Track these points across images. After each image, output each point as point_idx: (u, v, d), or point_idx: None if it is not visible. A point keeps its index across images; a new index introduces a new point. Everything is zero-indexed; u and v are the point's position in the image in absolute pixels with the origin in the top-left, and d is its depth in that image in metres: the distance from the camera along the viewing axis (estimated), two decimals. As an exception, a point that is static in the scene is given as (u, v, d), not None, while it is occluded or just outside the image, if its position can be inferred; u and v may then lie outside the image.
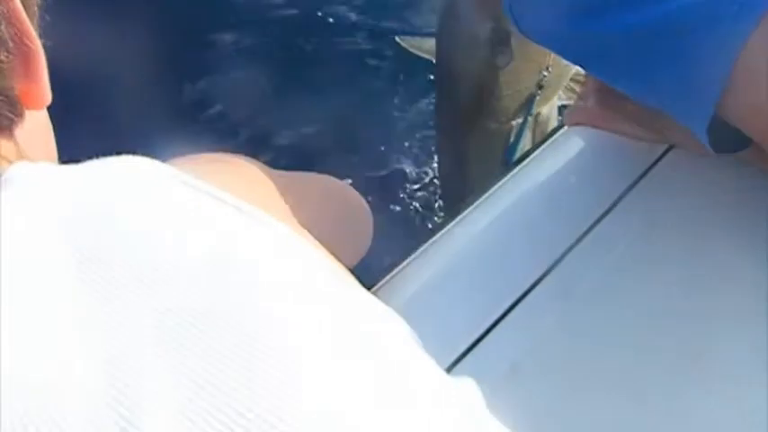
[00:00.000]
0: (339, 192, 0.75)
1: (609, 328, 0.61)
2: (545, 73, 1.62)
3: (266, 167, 0.54)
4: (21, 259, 0.32)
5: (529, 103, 1.67)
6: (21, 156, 0.39)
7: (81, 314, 0.31)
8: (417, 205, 2.47)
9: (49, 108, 0.43)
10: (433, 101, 2.25)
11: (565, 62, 1.56)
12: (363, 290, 0.42)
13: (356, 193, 0.74)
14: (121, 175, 0.38)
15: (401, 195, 2.49)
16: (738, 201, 0.68)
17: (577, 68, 1.60)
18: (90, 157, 0.38)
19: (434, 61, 1.77)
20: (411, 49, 1.97)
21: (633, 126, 0.74)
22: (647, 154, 0.73)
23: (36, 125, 0.43)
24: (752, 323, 0.59)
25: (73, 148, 0.46)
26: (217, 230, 0.36)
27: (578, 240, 0.66)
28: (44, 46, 0.39)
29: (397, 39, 2.06)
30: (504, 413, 0.38)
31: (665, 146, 0.73)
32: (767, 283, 0.61)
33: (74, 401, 0.28)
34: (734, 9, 0.54)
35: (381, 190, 2.39)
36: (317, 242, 0.43)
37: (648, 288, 0.64)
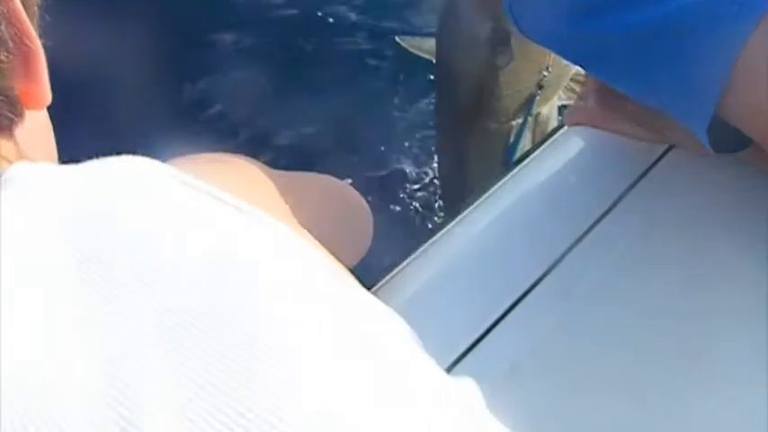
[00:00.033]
0: (339, 192, 0.75)
1: (609, 328, 0.61)
2: (545, 73, 1.62)
3: (266, 167, 0.54)
4: (21, 259, 0.32)
5: (529, 103, 1.67)
6: (21, 156, 0.39)
7: (81, 314, 0.31)
8: (417, 205, 2.47)
9: (49, 108, 0.43)
10: (433, 101, 2.26)
11: (565, 62, 1.56)
12: (363, 290, 0.42)
13: (356, 193, 0.74)
14: (121, 175, 0.38)
15: (401, 195, 2.49)
16: (738, 201, 0.68)
17: (577, 68, 1.60)
18: (90, 158, 0.39)
19: (434, 61, 1.77)
20: (411, 49, 1.97)
21: (633, 126, 0.74)
22: (647, 154, 0.73)
23: (36, 125, 0.43)
24: (752, 323, 0.60)
25: (73, 148, 0.46)
26: (217, 230, 0.36)
27: (578, 240, 0.66)
28: (44, 46, 0.39)
29: (397, 39, 2.06)
30: (505, 413, 0.38)
31: (665, 146, 0.74)
32: (767, 283, 0.61)
33: (74, 401, 0.28)
34: (734, 9, 0.54)
35: (381, 190, 2.40)
36: (316, 242, 0.43)
37: (648, 288, 0.64)
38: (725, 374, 0.58)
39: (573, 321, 0.62)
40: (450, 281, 0.66)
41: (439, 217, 2.38)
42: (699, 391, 0.58)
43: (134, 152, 0.39)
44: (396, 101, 2.69)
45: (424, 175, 2.52)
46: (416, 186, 2.51)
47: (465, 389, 0.38)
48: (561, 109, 1.75)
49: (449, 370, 0.58)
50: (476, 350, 0.60)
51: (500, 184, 0.72)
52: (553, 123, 1.74)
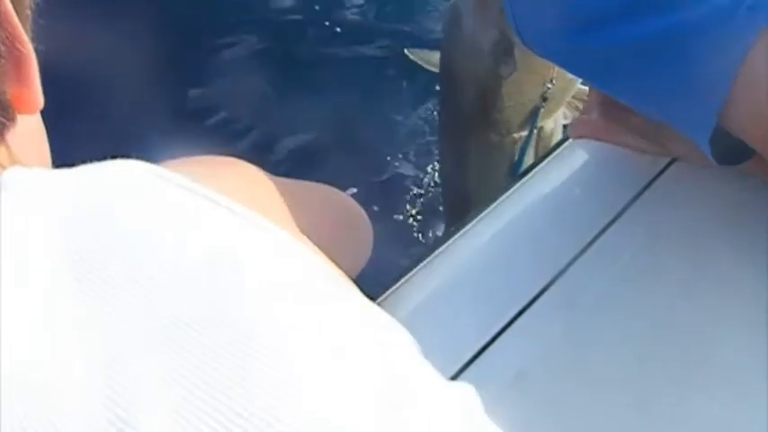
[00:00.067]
0: (339, 201, 0.75)
1: (613, 337, 0.62)
2: (549, 85, 1.62)
3: (264, 172, 0.54)
4: (20, 259, 0.32)
5: (533, 116, 1.67)
6: (14, 161, 0.39)
7: (80, 314, 0.31)
8: (420, 214, 2.47)
9: (45, 112, 0.42)
10: (436, 108, 2.26)
11: (569, 75, 1.56)
12: (364, 297, 0.42)
13: (356, 204, 0.74)
14: (116, 178, 0.38)
15: (404, 204, 2.48)
16: (741, 212, 0.69)
17: (581, 83, 1.61)
18: (85, 162, 0.39)
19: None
20: (419, 62, 1.98)
21: (637, 138, 0.75)
22: (650, 166, 0.74)
23: (29, 130, 0.42)
24: (753, 331, 0.60)
25: (69, 152, 0.46)
26: (211, 232, 0.36)
27: (582, 251, 0.67)
28: (40, 50, 0.39)
29: (405, 51, 2.07)
30: (510, 421, 0.38)
31: (669, 158, 0.74)
32: (768, 293, 0.61)
33: (72, 402, 0.29)
34: (735, 21, 0.55)
35: (384, 198, 2.39)
36: (316, 248, 0.43)
37: (652, 297, 0.64)
38: (728, 382, 0.59)
39: (577, 330, 0.62)
40: (455, 291, 0.66)
41: (441, 226, 2.37)
42: (702, 397, 0.58)
43: (130, 156, 0.39)
44: (399, 108, 2.67)
45: (426, 184, 2.52)
46: (419, 195, 2.50)
47: (465, 394, 0.38)
48: (566, 128, 1.75)
49: (454, 378, 0.58)
50: (481, 358, 0.60)
51: (505, 195, 0.73)
52: (557, 138, 1.74)
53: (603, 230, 0.68)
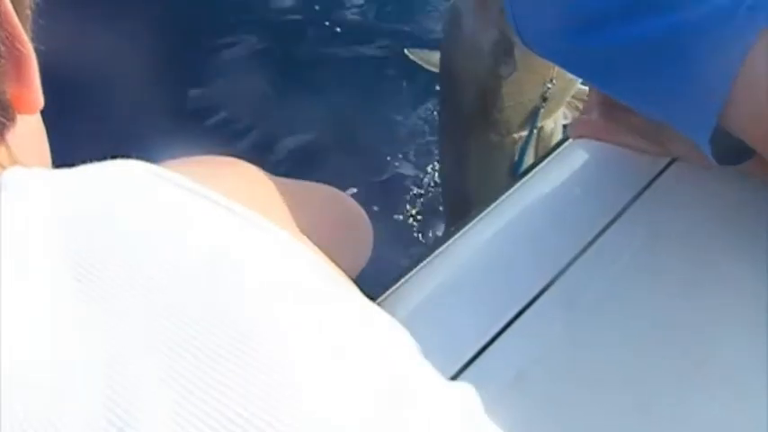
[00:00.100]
0: (339, 201, 0.75)
1: (613, 337, 0.62)
2: (549, 85, 1.62)
3: (264, 172, 0.54)
4: (20, 259, 0.32)
5: (533, 116, 1.67)
6: (13, 161, 0.39)
7: (81, 314, 0.31)
8: (420, 215, 2.47)
9: (45, 112, 0.42)
10: (436, 108, 2.26)
11: (569, 75, 1.56)
12: (364, 297, 0.42)
13: (356, 204, 0.74)
14: (116, 178, 0.38)
15: (404, 203, 2.49)
16: (741, 212, 0.69)
17: (581, 83, 1.61)
18: (85, 162, 0.39)
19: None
20: (420, 62, 1.98)
21: (637, 138, 0.75)
22: (650, 166, 0.74)
23: (29, 130, 0.42)
24: (754, 331, 0.60)
25: (69, 152, 0.46)
26: (211, 232, 0.36)
27: (583, 251, 0.67)
28: (40, 50, 0.39)
29: (405, 51, 2.07)
30: (510, 421, 0.38)
31: (669, 158, 0.74)
32: (768, 293, 0.62)
33: (72, 403, 0.29)
34: (735, 21, 0.55)
35: (384, 199, 2.39)
36: (316, 248, 0.43)
37: (652, 297, 0.64)
38: (728, 382, 0.59)
39: (577, 330, 0.62)
40: (455, 291, 0.67)
41: (441, 226, 2.37)
42: (702, 396, 0.58)
43: (130, 156, 0.39)
44: (399, 108, 2.67)
45: (426, 184, 2.52)
46: (419, 195, 2.51)
47: (465, 394, 0.38)
48: (565, 128, 1.75)
49: (455, 377, 0.58)
50: (481, 358, 0.60)
51: (505, 195, 0.73)
52: (557, 138, 1.74)
53: (603, 230, 0.68)
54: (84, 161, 0.39)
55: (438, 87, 1.91)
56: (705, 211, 0.70)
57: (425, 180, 2.53)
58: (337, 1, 2.99)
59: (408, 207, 2.49)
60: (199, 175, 0.39)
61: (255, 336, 0.32)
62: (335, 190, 0.73)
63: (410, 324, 0.39)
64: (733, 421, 0.57)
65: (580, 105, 1.68)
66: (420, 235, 2.43)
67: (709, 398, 0.58)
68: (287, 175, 0.59)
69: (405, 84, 2.69)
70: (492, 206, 0.72)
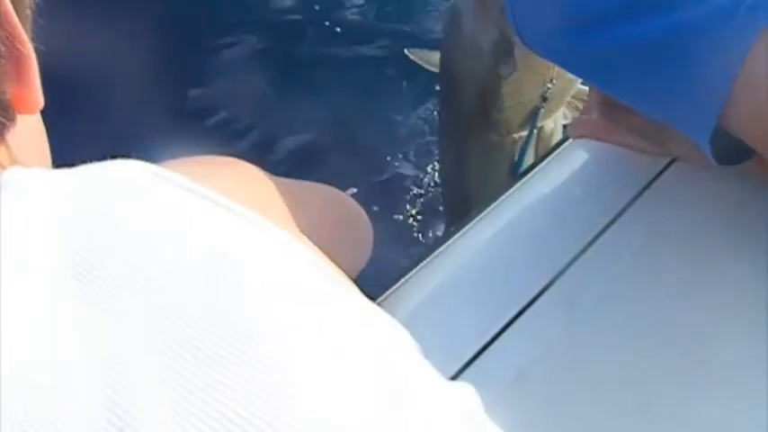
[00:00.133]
0: (339, 201, 0.75)
1: (613, 337, 0.62)
2: (549, 85, 1.62)
3: (264, 172, 0.54)
4: (21, 259, 0.32)
5: (533, 116, 1.67)
6: (13, 161, 0.39)
7: (81, 314, 0.31)
8: (420, 215, 2.47)
9: (45, 112, 0.42)
10: (437, 108, 2.26)
11: (569, 75, 1.56)
12: (364, 297, 0.42)
13: (356, 204, 0.74)
14: (116, 178, 0.38)
15: (404, 205, 2.49)
16: (741, 212, 0.69)
17: (581, 83, 1.61)
18: (85, 162, 0.39)
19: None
20: (420, 62, 1.98)
21: (637, 138, 0.75)
22: (650, 166, 0.74)
23: (29, 130, 0.42)
24: (754, 331, 0.60)
25: (69, 152, 0.46)
26: (211, 232, 0.36)
27: (583, 251, 0.67)
28: (40, 50, 0.39)
29: (405, 51, 2.07)
30: (510, 420, 0.38)
31: (669, 158, 0.74)
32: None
33: (72, 403, 0.29)
34: (735, 21, 0.55)
35: (384, 199, 2.39)
36: (316, 248, 0.43)
37: (652, 297, 0.64)
38: (728, 382, 0.59)
39: (577, 330, 0.62)
40: (455, 291, 0.67)
41: (441, 226, 2.37)
42: (702, 396, 0.58)
43: (130, 156, 0.39)
44: (399, 108, 2.68)
45: (426, 184, 2.52)
46: (419, 195, 2.51)
47: (465, 394, 0.38)
48: (565, 128, 1.75)
49: (455, 377, 0.58)
50: (481, 358, 0.60)
51: (505, 195, 0.73)
52: (557, 138, 1.74)
53: (603, 230, 0.68)
54: (84, 161, 0.39)
55: (438, 87, 1.91)
56: (705, 211, 0.70)
57: (425, 180, 2.53)
58: (337, 1, 2.99)
59: (408, 207, 2.49)
60: (199, 175, 0.39)
61: (255, 336, 0.32)
62: (335, 190, 0.73)
63: (410, 324, 0.39)
64: (733, 421, 0.57)
65: (580, 105, 1.68)
66: (420, 235, 2.43)
67: (709, 398, 0.58)
68: (287, 175, 0.59)
69: (405, 84, 2.69)
70: (492, 206, 0.72)
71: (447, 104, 1.83)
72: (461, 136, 1.78)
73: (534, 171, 0.76)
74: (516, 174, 1.61)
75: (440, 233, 2.37)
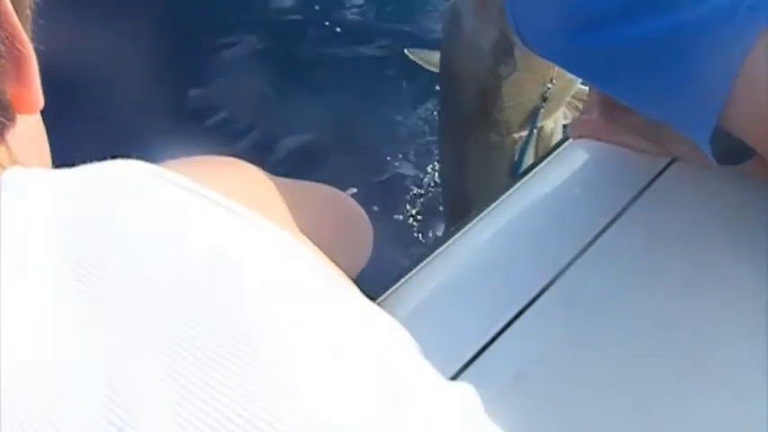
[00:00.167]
0: (339, 201, 0.75)
1: (613, 337, 0.62)
2: (549, 85, 1.62)
3: (264, 172, 0.54)
4: (21, 259, 0.32)
5: (533, 116, 1.67)
6: (13, 161, 0.39)
7: (81, 314, 0.31)
8: (420, 215, 2.47)
9: (45, 112, 0.42)
10: (437, 108, 2.26)
11: (569, 75, 1.56)
12: (364, 297, 0.42)
13: (356, 204, 0.74)
14: (116, 178, 0.38)
15: (404, 205, 2.49)
16: (741, 212, 0.69)
17: (581, 83, 1.61)
18: (85, 162, 0.39)
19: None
20: (420, 62, 1.98)
21: (637, 138, 0.75)
22: (650, 166, 0.74)
23: (29, 130, 0.42)
24: (754, 331, 0.60)
25: (69, 152, 0.46)
26: (211, 232, 0.36)
27: (583, 251, 0.67)
28: (40, 50, 0.39)
29: (405, 51, 2.07)
30: (510, 421, 0.38)
31: (669, 158, 0.74)
32: (768, 293, 0.62)
33: (72, 403, 0.29)
34: (735, 21, 0.55)
35: (384, 199, 2.39)
36: (316, 248, 0.43)
37: (652, 297, 0.64)
38: (728, 382, 0.59)
39: (577, 330, 0.62)
40: (455, 291, 0.67)
41: (441, 226, 2.37)
42: (702, 396, 0.58)
43: (130, 156, 0.39)
44: (399, 108, 2.68)
45: (426, 184, 2.52)
46: (419, 195, 2.51)
47: (465, 394, 0.38)
48: (565, 128, 1.75)
49: (455, 377, 0.58)
50: (481, 358, 0.60)
51: (505, 195, 0.73)
52: (557, 138, 1.74)
53: (603, 230, 0.68)
54: (84, 161, 0.39)
55: (438, 87, 1.91)
56: (705, 211, 0.70)
57: (425, 180, 2.53)
58: (337, 1, 2.99)
59: (408, 207, 2.49)
60: (199, 175, 0.39)
61: (255, 336, 0.32)
62: (335, 190, 0.73)
63: (410, 324, 0.39)
64: (733, 421, 0.57)
65: (580, 105, 1.68)
66: (420, 235, 2.43)
67: (709, 398, 0.58)
68: (287, 175, 0.59)
69: (405, 84, 2.69)
70: (492, 206, 0.72)
71: (447, 104, 1.83)
72: (461, 136, 1.78)
73: (534, 171, 0.76)
74: (516, 174, 1.61)
75: (440, 233, 2.38)
